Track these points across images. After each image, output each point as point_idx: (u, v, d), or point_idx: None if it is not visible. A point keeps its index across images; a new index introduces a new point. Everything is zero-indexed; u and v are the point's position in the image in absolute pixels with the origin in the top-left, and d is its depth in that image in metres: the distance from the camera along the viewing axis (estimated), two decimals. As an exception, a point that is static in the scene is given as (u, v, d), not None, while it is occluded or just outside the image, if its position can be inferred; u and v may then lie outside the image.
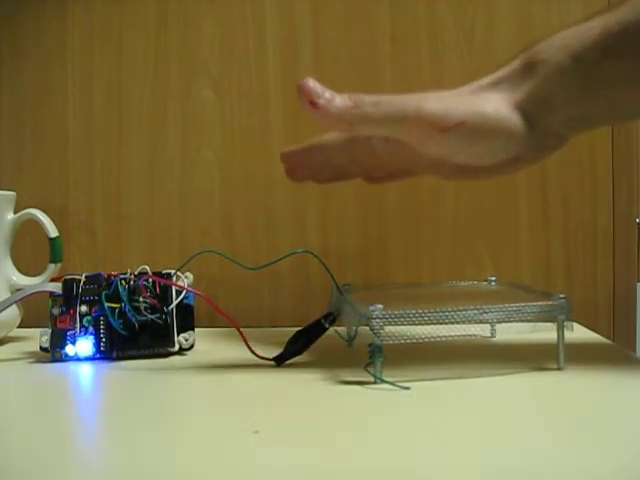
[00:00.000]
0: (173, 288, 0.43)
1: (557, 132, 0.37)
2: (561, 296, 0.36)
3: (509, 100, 0.36)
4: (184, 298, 0.43)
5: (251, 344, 0.40)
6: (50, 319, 0.42)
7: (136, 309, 0.42)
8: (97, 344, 0.42)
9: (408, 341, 0.34)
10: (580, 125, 0.38)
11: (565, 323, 0.36)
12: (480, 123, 0.36)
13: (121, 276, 0.43)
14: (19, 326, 0.49)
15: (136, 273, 0.43)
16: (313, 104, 0.36)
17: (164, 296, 0.43)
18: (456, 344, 0.38)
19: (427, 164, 0.41)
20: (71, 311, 0.42)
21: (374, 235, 0.59)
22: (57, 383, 0.38)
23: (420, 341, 0.35)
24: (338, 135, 0.43)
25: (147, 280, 0.43)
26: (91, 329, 0.42)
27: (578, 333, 0.42)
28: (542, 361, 0.38)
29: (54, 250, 0.49)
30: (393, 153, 0.41)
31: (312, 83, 0.36)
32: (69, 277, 0.43)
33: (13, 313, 0.47)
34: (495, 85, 0.37)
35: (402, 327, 0.34)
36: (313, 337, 0.40)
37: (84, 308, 0.42)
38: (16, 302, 0.44)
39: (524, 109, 0.36)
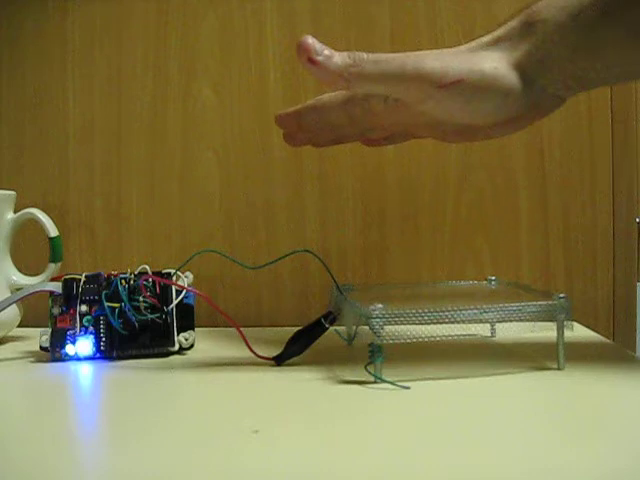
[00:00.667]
0: (173, 288, 0.43)
1: (555, 92, 0.37)
2: (561, 295, 0.36)
3: (507, 59, 0.36)
4: (184, 298, 0.43)
5: (251, 344, 0.40)
6: (50, 318, 0.42)
7: (136, 309, 0.42)
8: (97, 344, 0.42)
9: (408, 341, 0.34)
10: (578, 85, 0.38)
11: (565, 322, 0.36)
12: (478, 81, 0.36)
13: (121, 276, 0.43)
14: (19, 325, 0.49)
15: (136, 273, 0.43)
16: (312, 61, 0.36)
17: (164, 296, 0.43)
18: (456, 344, 0.38)
19: (425, 125, 0.41)
20: (71, 311, 0.42)
21: (374, 235, 0.59)
22: (57, 383, 0.38)
23: (420, 340, 0.35)
24: (335, 95, 0.43)
25: (147, 280, 0.43)
26: (91, 329, 0.42)
27: (578, 333, 0.42)
28: (542, 361, 0.38)
29: (54, 249, 0.49)
30: (391, 112, 0.41)
31: (311, 40, 0.36)
32: (69, 277, 0.43)
33: (13, 312, 0.47)
34: (494, 44, 0.37)
35: (402, 327, 0.34)
36: (313, 337, 0.40)
37: (84, 308, 0.42)
38: (16, 301, 0.44)
39: (522, 68, 0.36)
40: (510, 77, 0.36)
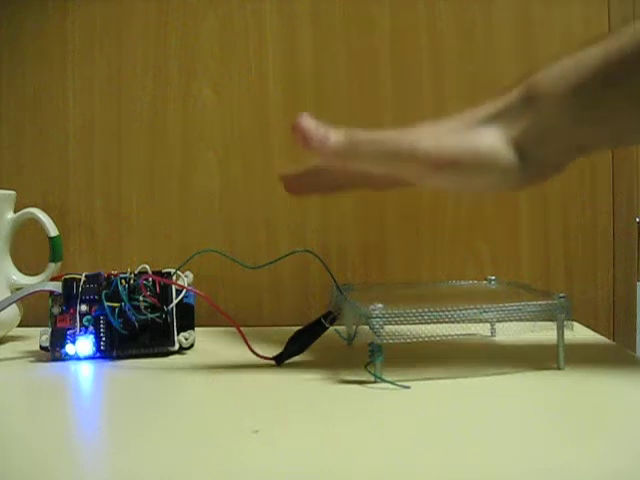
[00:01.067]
0: (173, 287, 0.43)
1: (553, 162, 0.37)
2: (561, 295, 0.36)
3: (505, 136, 0.36)
4: (184, 297, 0.43)
5: (251, 343, 0.40)
6: (50, 318, 0.42)
7: (136, 308, 0.42)
8: (97, 343, 0.42)
9: (408, 340, 0.34)
10: (578, 153, 0.37)
11: (565, 322, 0.36)
12: (474, 161, 0.36)
13: (121, 275, 0.43)
14: (19, 325, 0.49)
15: (136, 272, 0.43)
16: (307, 142, 0.36)
17: (164, 295, 0.43)
18: (456, 343, 0.38)
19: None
20: (71, 310, 0.42)
21: (374, 235, 0.59)
22: (57, 382, 0.38)
23: (420, 340, 0.35)
24: (335, 162, 0.42)
25: (147, 279, 0.43)
26: (91, 328, 0.42)
27: (578, 333, 0.42)
28: (542, 360, 0.38)
29: (54, 249, 0.49)
30: (390, 179, 0.40)
31: (306, 121, 0.36)
32: (69, 276, 0.43)
33: (13, 312, 0.47)
34: (492, 118, 0.36)
35: (402, 326, 0.34)
36: (313, 336, 0.40)
37: (84, 307, 0.42)
38: (16, 301, 0.44)
39: (521, 144, 0.36)
40: (507, 155, 0.36)
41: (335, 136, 0.37)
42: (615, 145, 0.39)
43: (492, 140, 0.36)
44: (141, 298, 0.42)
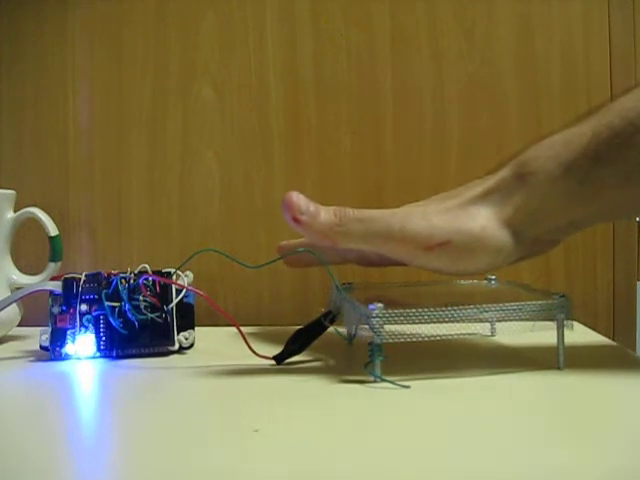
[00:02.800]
0: (173, 287, 0.43)
1: (548, 238, 0.37)
2: (561, 294, 0.36)
3: (497, 215, 0.36)
4: (184, 297, 0.43)
5: (251, 343, 0.40)
6: (50, 318, 0.42)
7: (136, 308, 0.42)
8: (97, 343, 0.42)
9: (408, 340, 0.34)
10: (571, 229, 0.37)
11: (565, 322, 0.36)
12: (466, 242, 0.35)
13: (121, 275, 0.43)
14: (19, 325, 0.49)
15: (136, 272, 0.43)
16: (296, 220, 0.36)
17: (164, 295, 0.43)
18: (456, 343, 0.38)
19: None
20: (71, 310, 0.42)
21: (374, 235, 0.59)
22: (57, 382, 0.38)
23: (420, 340, 0.35)
24: (330, 243, 0.42)
25: (147, 279, 0.43)
26: (91, 328, 0.42)
27: (578, 332, 0.42)
28: (542, 360, 0.38)
29: (54, 249, 0.49)
30: (384, 259, 0.40)
31: (296, 197, 0.36)
32: (69, 276, 0.43)
33: (13, 312, 0.47)
34: (483, 198, 0.36)
35: (402, 326, 0.34)
36: (313, 336, 0.40)
37: (84, 307, 0.42)
38: (16, 301, 0.44)
39: (513, 224, 0.36)
40: (500, 235, 0.35)
41: (325, 214, 0.36)
42: (608, 220, 0.39)
43: (484, 220, 0.35)
44: (141, 298, 0.42)
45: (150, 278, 0.43)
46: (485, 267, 0.37)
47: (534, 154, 0.36)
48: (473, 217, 0.36)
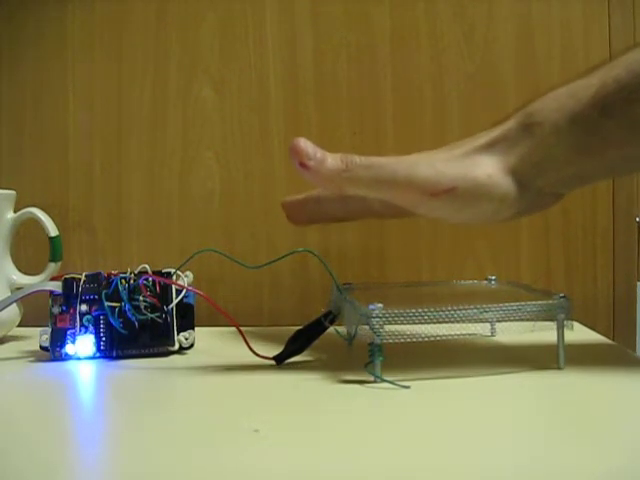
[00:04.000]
0: (173, 287, 0.43)
1: (552, 191, 0.37)
2: (561, 295, 0.36)
3: (503, 164, 0.36)
4: (184, 297, 0.43)
5: (251, 343, 0.40)
6: (50, 318, 0.42)
7: (136, 308, 0.42)
8: (97, 343, 0.42)
9: (408, 340, 0.34)
10: (575, 183, 0.37)
11: (565, 322, 0.36)
12: (471, 189, 0.35)
13: (121, 275, 0.43)
14: (19, 325, 0.49)
15: (136, 272, 0.43)
16: (304, 165, 0.36)
17: (164, 295, 0.43)
18: (456, 343, 0.38)
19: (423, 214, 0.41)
20: (71, 310, 0.42)
21: (374, 235, 0.59)
22: (57, 382, 0.38)
23: (420, 340, 0.35)
24: (335, 192, 0.42)
25: (147, 279, 0.43)
26: (91, 328, 0.42)
27: (578, 332, 0.42)
28: (542, 360, 0.38)
29: (54, 249, 0.49)
30: (387, 209, 0.40)
31: (303, 143, 0.36)
32: (69, 276, 0.43)
33: (13, 312, 0.47)
34: (489, 147, 0.36)
35: (402, 326, 0.34)
36: (313, 336, 0.40)
37: (84, 307, 0.42)
38: (16, 301, 0.44)
39: (518, 172, 0.36)
40: (505, 184, 0.35)
41: (332, 160, 0.36)
42: (613, 175, 0.39)
43: (490, 168, 0.36)
44: (141, 298, 0.42)
45: (150, 278, 0.43)
46: (489, 216, 0.37)
47: (540, 105, 0.36)
48: (479, 165, 0.36)
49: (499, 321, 0.36)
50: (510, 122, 0.36)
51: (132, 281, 0.43)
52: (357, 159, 0.36)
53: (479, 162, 0.36)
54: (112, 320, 0.41)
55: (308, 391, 0.34)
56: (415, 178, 0.36)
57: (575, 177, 0.36)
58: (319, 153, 0.36)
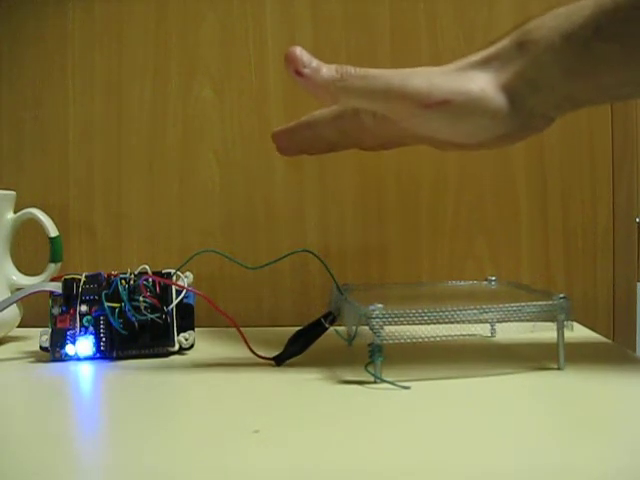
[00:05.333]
0: (173, 288, 0.43)
1: (544, 113, 0.37)
2: (561, 295, 0.36)
3: (496, 80, 0.36)
4: (184, 298, 0.43)
5: (251, 344, 0.40)
6: (50, 319, 0.42)
7: (136, 309, 0.42)
8: (97, 344, 0.42)
9: (408, 341, 0.34)
10: (568, 105, 0.37)
11: (565, 323, 0.36)
12: (465, 102, 0.36)
13: (121, 276, 0.43)
14: (19, 325, 0.49)
15: (136, 273, 0.43)
16: (299, 73, 0.36)
17: (164, 296, 0.43)
18: (456, 344, 0.38)
19: (416, 137, 0.40)
20: (71, 311, 0.42)
21: (374, 235, 0.59)
22: (57, 383, 0.38)
23: (420, 341, 0.35)
24: (326, 111, 0.42)
25: (147, 280, 0.43)
26: (91, 329, 0.42)
27: (578, 333, 0.42)
28: (542, 361, 0.38)
29: (54, 249, 0.49)
30: (381, 127, 0.40)
31: (299, 51, 0.36)
32: (69, 276, 0.43)
33: (13, 312, 0.47)
34: (484, 63, 0.36)
35: (402, 327, 0.34)
36: (313, 337, 0.40)
37: (84, 308, 0.42)
38: (16, 301, 0.44)
39: (511, 89, 0.36)
40: (498, 99, 0.36)
41: (327, 69, 0.36)
42: (608, 99, 0.39)
43: (483, 83, 0.36)
44: (141, 298, 0.42)
45: (150, 279, 0.43)
46: (481, 133, 0.37)
47: (537, 24, 0.36)
48: (472, 80, 0.36)
49: (499, 322, 0.36)
50: (506, 40, 0.37)
51: (132, 282, 0.43)
52: (352, 69, 0.36)
53: (473, 77, 0.36)
54: (112, 321, 0.41)
55: (308, 391, 0.34)
56: (409, 89, 0.36)
57: (568, 99, 0.36)
58: (314, 62, 0.36)
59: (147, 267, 0.43)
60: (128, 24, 0.60)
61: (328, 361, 0.40)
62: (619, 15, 0.33)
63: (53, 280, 0.44)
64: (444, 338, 0.35)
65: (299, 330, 0.40)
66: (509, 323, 0.36)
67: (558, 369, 0.37)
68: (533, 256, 0.59)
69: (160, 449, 0.26)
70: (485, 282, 0.48)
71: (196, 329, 0.44)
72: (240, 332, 0.40)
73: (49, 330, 0.42)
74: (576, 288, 0.58)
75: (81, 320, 0.42)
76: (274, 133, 0.45)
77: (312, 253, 0.42)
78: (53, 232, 0.49)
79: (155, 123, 0.60)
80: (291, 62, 0.36)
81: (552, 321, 0.36)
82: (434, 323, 0.35)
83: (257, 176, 0.60)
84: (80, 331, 0.42)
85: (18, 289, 0.47)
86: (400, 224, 0.59)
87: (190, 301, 0.44)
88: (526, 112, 0.36)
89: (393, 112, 0.37)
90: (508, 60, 0.36)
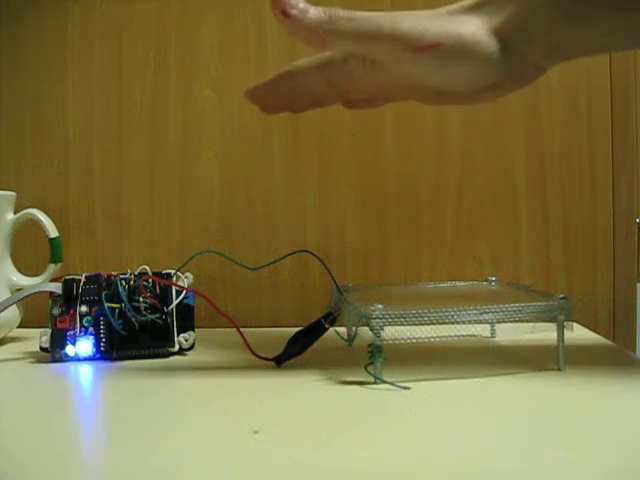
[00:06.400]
0: (173, 288, 0.43)
1: (535, 62, 0.37)
2: (561, 296, 0.36)
3: (488, 25, 0.35)
4: (184, 298, 0.43)
5: (251, 344, 0.40)
6: (50, 319, 0.42)
7: (136, 309, 0.42)
8: (97, 344, 0.42)
9: (408, 341, 0.34)
10: (559, 55, 0.37)
11: (565, 323, 0.36)
12: (455, 46, 0.35)
13: (121, 276, 0.43)
14: (19, 326, 0.49)
15: (136, 273, 0.43)
16: (285, 14, 0.35)
17: (164, 296, 0.43)
18: (456, 344, 0.38)
19: (405, 88, 0.40)
20: (71, 311, 0.42)
21: (374, 235, 0.59)
22: (57, 383, 0.38)
23: (420, 341, 0.35)
24: (312, 59, 0.41)
25: (147, 280, 0.43)
26: (91, 329, 0.42)
27: (578, 333, 0.42)
28: (542, 361, 0.38)
29: (54, 250, 0.49)
30: (370, 75, 0.39)
31: None
32: (69, 277, 0.43)
33: (13, 313, 0.47)
34: (476, 8, 0.36)
35: (402, 327, 0.34)
36: (313, 337, 0.40)
37: (84, 308, 0.42)
38: (16, 302, 0.44)
39: (502, 35, 0.35)
40: (489, 44, 0.35)
41: (314, 11, 0.35)
42: (598, 49, 0.38)
43: (475, 27, 0.35)
44: (141, 299, 0.42)
45: (150, 279, 0.43)
46: (471, 79, 0.36)
47: None
48: (463, 24, 0.35)
49: (499, 322, 0.36)
50: None
51: (132, 282, 0.43)
52: (340, 11, 0.36)
53: (464, 21, 0.36)
54: (112, 321, 0.41)
55: (308, 392, 0.34)
56: (399, 31, 0.35)
57: (559, 47, 0.36)
58: (302, 3, 0.35)
59: (147, 268, 0.43)
60: (128, 24, 0.60)
61: (328, 361, 0.40)
62: None
63: (53, 281, 0.44)
64: (444, 339, 0.35)
65: (299, 331, 0.40)
66: (509, 324, 0.36)
67: (558, 370, 0.37)
68: (533, 256, 0.59)
69: (160, 449, 0.26)
70: (485, 282, 0.48)
71: (196, 330, 0.44)
72: (240, 333, 0.40)
73: (49, 331, 0.42)
74: (576, 288, 0.58)
75: (81, 321, 0.42)
76: (248, 92, 0.43)
77: (312, 253, 0.42)
78: (53, 233, 0.49)
79: (155, 123, 0.60)
80: (277, 3, 0.35)
81: (552, 322, 0.36)
82: (434, 323, 0.35)
83: (257, 176, 0.60)
84: (80, 332, 0.42)
85: (18, 290, 0.47)
86: (400, 224, 0.59)
87: (190, 302, 0.44)
88: (517, 59, 0.36)
89: (383, 55, 0.37)
90: (500, 5, 0.36)
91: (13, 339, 0.49)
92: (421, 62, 0.36)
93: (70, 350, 0.42)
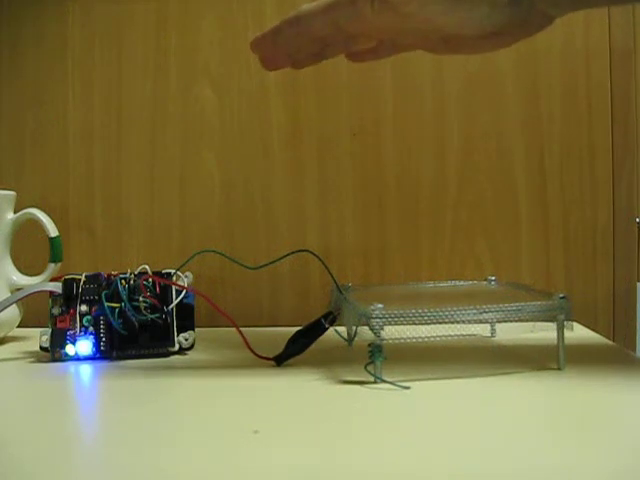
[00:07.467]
0: (173, 288, 0.43)
1: (544, 9, 0.36)
2: (561, 295, 0.36)
3: None
4: (184, 298, 0.43)
5: (251, 344, 0.40)
6: (50, 319, 0.42)
7: (136, 309, 0.42)
8: (97, 344, 0.42)
9: (408, 340, 0.34)
10: (567, 4, 0.36)
11: (565, 323, 0.36)
12: None
13: (121, 276, 0.43)
14: (19, 326, 0.49)
15: (136, 273, 0.43)
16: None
17: (164, 296, 0.43)
18: (456, 344, 0.38)
19: (411, 32, 0.39)
20: (71, 311, 0.42)
21: (374, 235, 0.59)
22: (57, 383, 0.38)
23: (420, 341, 0.35)
24: (319, 2, 0.39)
25: (147, 280, 0.43)
26: (91, 329, 0.42)
27: (578, 333, 0.42)
28: (542, 361, 0.38)
29: (54, 250, 0.49)
30: (378, 16, 0.38)
31: None
32: (69, 277, 0.43)
33: (13, 313, 0.47)
34: None
35: (402, 327, 0.34)
36: (313, 337, 0.40)
37: (84, 308, 0.42)
38: (16, 301, 0.44)
39: None
40: None
41: None
42: (609, 1, 0.38)
43: None
44: (141, 299, 0.42)
45: (150, 279, 0.43)
46: (479, 21, 0.36)
47: None
48: None
49: (499, 322, 0.36)
50: None
51: (132, 282, 0.43)
52: None
53: None
54: (112, 321, 0.41)
55: (308, 391, 0.34)
56: None
57: None
58: None
59: (147, 267, 0.43)
60: (128, 24, 0.60)
61: (328, 361, 0.40)
62: None
63: (53, 280, 0.44)
64: (444, 338, 0.35)
65: (299, 330, 0.40)
66: (509, 323, 0.36)
67: (558, 369, 0.37)
68: (533, 256, 0.59)
69: (160, 449, 0.26)
70: (485, 282, 0.48)
71: (196, 329, 0.44)
72: (240, 332, 0.40)
73: (49, 330, 0.42)
74: (576, 288, 0.58)
75: (81, 320, 0.42)
76: (253, 41, 0.41)
77: (312, 253, 0.42)
78: (53, 232, 0.49)
79: (155, 123, 0.60)
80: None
81: (552, 321, 0.36)
82: (434, 323, 0.35)
83: (257, 177, 0.60)
84: (80, 331, 0.42)
85: (18, 289, 0.47)
86: (400, 224, 0.59)
87: (190, 301, 0.44)
88: (526, 5, 0.36)
89: None
90: None
91: (13, 338, 0.49)
92: (430, 2, 0.35)
93: (70, 350, 0.42)
